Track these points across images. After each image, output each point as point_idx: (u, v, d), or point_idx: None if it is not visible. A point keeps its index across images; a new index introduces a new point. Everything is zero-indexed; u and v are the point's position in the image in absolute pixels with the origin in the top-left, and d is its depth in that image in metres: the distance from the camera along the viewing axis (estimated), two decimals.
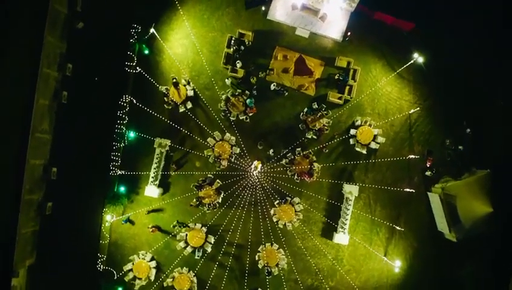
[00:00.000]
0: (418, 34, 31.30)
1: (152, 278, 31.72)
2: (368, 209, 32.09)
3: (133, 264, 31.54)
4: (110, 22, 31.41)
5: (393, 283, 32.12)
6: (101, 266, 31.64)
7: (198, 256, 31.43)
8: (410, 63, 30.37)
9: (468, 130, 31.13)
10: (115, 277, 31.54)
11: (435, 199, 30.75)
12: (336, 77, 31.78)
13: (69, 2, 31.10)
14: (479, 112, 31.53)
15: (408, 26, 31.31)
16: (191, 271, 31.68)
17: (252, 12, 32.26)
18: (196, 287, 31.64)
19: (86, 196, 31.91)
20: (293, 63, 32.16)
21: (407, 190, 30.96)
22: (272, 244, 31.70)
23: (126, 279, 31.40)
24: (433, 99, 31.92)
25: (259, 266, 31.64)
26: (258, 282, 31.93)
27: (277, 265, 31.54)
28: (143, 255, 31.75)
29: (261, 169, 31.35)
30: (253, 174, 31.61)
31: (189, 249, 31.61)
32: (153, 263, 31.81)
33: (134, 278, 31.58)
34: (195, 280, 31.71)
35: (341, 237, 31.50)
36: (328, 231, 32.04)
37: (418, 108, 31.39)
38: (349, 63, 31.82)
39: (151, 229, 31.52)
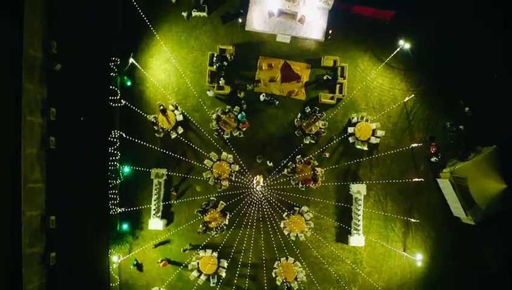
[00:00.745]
0: (400, 21, 30.80)
1: None
2: (379, 206, 31.13)
3: None
4: (87, 59, 30.65)
5: (417, 277, 30.99)
6: None
7: (213, 283, 30.24)
8: (396, 51, 29.72)
9: (467, 108, 30.39)
10: None
11: (445, 185, 29.83)
12: (325, 78, 31.10)
13: (43, 45, 30.49)
14: (474, 89, 30.89)
15: (388, 15, 30.78)
16: None
17: (230, 26, 31.66)
18: None
19: (89, 239, 30.75)
20: (278, 70, 31.48)
21: (416, 179, 30.00)
22: (287, 259, 30.59)
23: None
24: (426, 84, 31.24)
25: (278, 283, 30.49)
26: None
27: (296, 279, 30.40)
28: None
29: (263, 183, 30.44)
30: (256, 190, 30.67)
31: (203, 278, 30.41)
32: None
33: None
34: None
35: (356, 239, 30.45)
36: (343, 235, 30.99)
37: (413, 95, 30.68)
38: (335, 62, 31.17)
39: (161, 264, 30.35)
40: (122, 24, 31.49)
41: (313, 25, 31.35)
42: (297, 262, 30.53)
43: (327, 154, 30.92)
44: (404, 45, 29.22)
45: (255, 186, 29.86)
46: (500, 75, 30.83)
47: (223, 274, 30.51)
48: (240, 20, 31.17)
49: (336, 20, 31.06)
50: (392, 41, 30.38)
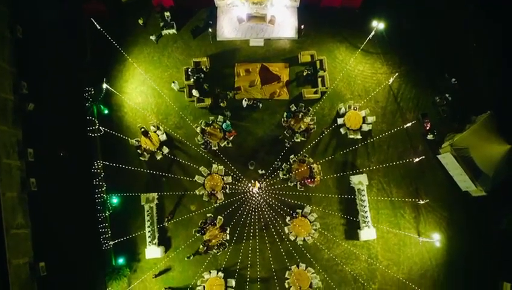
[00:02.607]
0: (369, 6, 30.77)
1: None
2: (384, 194, 29.60)
3: None
4: (60, 94, 29.74)
5: (438, 262, 28.99)
6: None
7: None
8: (371, 35, 29.29)
9: (453, 79, 29.69)
10: None
11: (448, 159, 28.58)
12: (305, 73, 30.45)
13: (13, 87, 29.51)
14: (456, 60, 30.35)
15: (357, 3, 30.70)
16: None
17: (201, 39, 31.24)
18: None
19: (85, 279, 28.53)
20: (257, 74, 30.79)
21: (416, 159, 28.67)
22: (298, 266, 28.54)
23: None
24: (407, 63, 30.68)
25: None
26: None
27: (310, 286, 28.23)
28: None
29: (260, 186, 28.84)
30: (254, 194, 29.01)
31: None
32: None
33: None
34: None
35: (367, 233, 28.65)
36: (352, 231, 29.18)
37: (396, 74, 29.93)
38: (312, 56, 30.64)
39: None
40: (92, 55, 30.90)
41: (284, 24, 31.11)
42: (309, 268, 28.47)
43: (326, 131, 29.84)
44: (378, 26, 28.79)
45: (251, 189, 28.11)
46: (478, 43, 30.45)
47: None
48: (211, 31, 30.68)
49: (306, 16, 30.90)
50: (365, 28, 30.00)
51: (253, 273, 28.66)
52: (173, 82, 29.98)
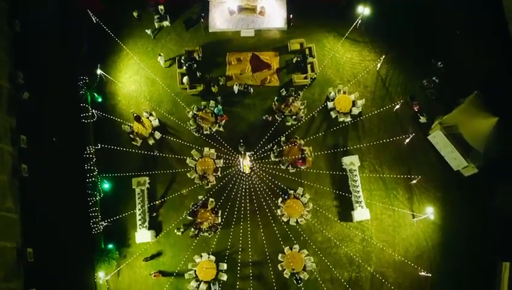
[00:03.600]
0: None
1: None
2: (376, 175, 29.48)
3: None
4: (56, 83, 30.44)
5: (434, 243, 28.37)
6: None
7: (214, 286, 27.04)
8: (356, 22, 30.40)
9: (439, 63, 30.38)
10: None
11: (438, 138, 28.73)
12: (294, 60, 31.22)
13: (9, 77, 30.22)
14: (440, 45, 31.18)
15: None
16: None
17: (194, 31, 32.31)
18: None
19: (73, 265, 27.88)
20: (248, 62, 31.52)
21: (406, 140, 28.81)
22: (291, 248, 27.94)
23: None
24: (394, 50, 31.48)
25: (286, 276, 27.53)
26: None
27: (304, 269, 27.52)
28: None
29: (250, 159, 28.63)
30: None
31: (203, 287, 27.30)
32: None
33: None
34: None
35: (361, 213, 28.27)
36: (345, 213, 28.81)
37: (383, 59, 30.60)
38: (302, 44, 31.55)
39: (153, 275, 27.31)
40: (87, 47, 31.77)
41: (274, 15, 32.27)
42: (303, 250, 27.87)
43: (315, 114, 30.29)
44: (364, 11, 29.82)
45: (241, 162, 27.86)
46: (462, 29, 31.44)
47: (224, 278, 27.48)
48: (203, 22, 31.81)
49: (295, 8, 32.11)
50: (351, 19, 30.98)
51: (245, 256, 28.02)
52: (159, 55, 30.85)
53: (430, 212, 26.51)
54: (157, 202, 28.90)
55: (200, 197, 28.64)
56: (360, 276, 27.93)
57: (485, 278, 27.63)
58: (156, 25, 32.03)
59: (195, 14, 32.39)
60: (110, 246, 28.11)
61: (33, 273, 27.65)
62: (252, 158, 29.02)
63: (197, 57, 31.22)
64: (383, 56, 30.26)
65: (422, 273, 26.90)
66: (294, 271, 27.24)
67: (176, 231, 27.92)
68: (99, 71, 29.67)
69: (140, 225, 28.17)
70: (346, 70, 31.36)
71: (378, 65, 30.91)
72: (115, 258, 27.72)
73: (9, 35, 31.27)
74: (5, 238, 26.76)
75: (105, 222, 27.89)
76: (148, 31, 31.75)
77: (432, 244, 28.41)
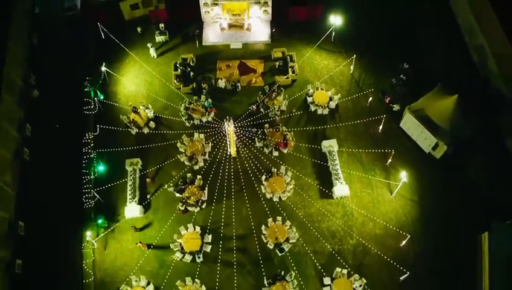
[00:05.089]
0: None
1: None
2: (354, 158, 31.45)
3: None
4: (63, 83, 34.19)
5: (413, 218, 29.24)
6: None
7: (199, 257, 27.58)
8: (329, 31, 35.01)
9: (405, 64, 34.26)
10: None
11: (409, 123, 31.37)
12: (277, 66, 35.24)
13: (23, 77, 33.98)
14: (407, 51, 35.32)
15: (319, 12, 37.15)
16: (196, 280, 27.04)
17: (189, 44, 36.93)
18: None
19: (62, 237, 28.64)
20: (236, 68, 35.51)
21: (379, 121, 31.53)
22: (274, 220, 28.85)
23: None
24: (366, 57, 35.68)
25: (270, 247, 28.06)
26: (277, 267, 27.61)
27: (287, 240, 28.15)
28: (136, 281, 27.05)
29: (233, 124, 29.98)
30: (229, 130, 29.76)
31: (188, 258, 27.72)
32: (151, 288, 26.95)
33: None
34: (203, 288, 26.85)
35: (341, 189, 29.70)
36: (326, 193, 30.16)
37: (354, 61, 34.52)
38: (283, 53, 35.85)
39: (140, 245, 27.83)
40: (94, 55, 36.10)
41: (259, 31, 37.19)
42: (287, 222, 28.76)
43: (295, 110, 33.16)
44: (335, 23, 34.55)
45: (226, 127, 29.57)
46: (425, 40, 35.95)
47: (209, 249, 28.01)
48: (197, 37, 36.56)
49: (278, 25, 37.12)
50: (326, 31, 35.58)
51: (229, 230, 28.81)
52: (150, 46, 35.41)
53: (403, 176, 28.07)
54: (147, 179, 30.48)
55: (188, 174, 30.37)
56: (343, 248, 28.38)
57: (464, 249, 28.06)
58: (156, 38, 36.72)
59: (190, 31, 37.21)
60: (100, 221, 28.98)
61: (22, 246, 28.36)
62: (236, 125, 31.46)
63: (191, 62, 35.29)
64: (354, 56, 34.21)
65: (404, 242, 27.60)
66: (277, 241, 27.87)
67: (166, 186, 29.76)
68: (103, 68, 33.45)
69: (130, 199, 29.45)
70: (324, 73, 35.19)
71: (351, 67, 34.82)
72: (103, 227, 28.52)
73: (28, 45, 35.89)
74: (1, 207, 27.96)
75: (96, 193, 29.09)
76: (151, 48, 36.13)
77: (411, 219, 29.33)
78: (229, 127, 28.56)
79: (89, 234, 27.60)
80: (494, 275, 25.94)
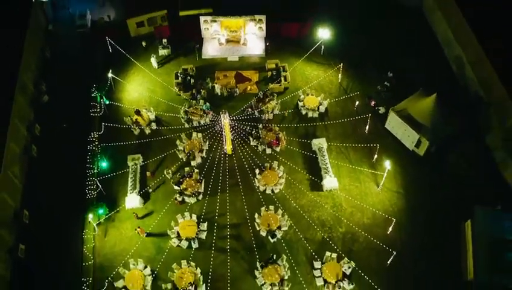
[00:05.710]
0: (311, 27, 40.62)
1: (148, 288, 27.40)
2: (343, 156, 33.37)
3: (124, 279, 27.57)
4: (72, 89, 36.91)
5: (399, 208, 30.73)
6: None
7: (194, 243, 28.93)
8: (317, 45, 38.17)
9: (390, 73, 37.03)
10: None
11: (393, 122, 33.61)
12: (269, 75, 38.05)
13: (35, 83, 36.76)
14: (391, 62, 38.23)
15: (307, 28, 40.45)
16: (191, 263, 28.17)
17: (189, 57, 39.98)
18: (201, 278, 27.60)
19: (64, 225, 30.07)
20: (232, 78, 38.27)
21: (365, 119, 33.87)
22: (267, 209, 30.32)
23: None
24: (353, 67, 38.51)
25: (263, 234, 29.38)
26: (270, 252, 28.74)
27: (280, 228, 29.50)
28: (133, 264, 28.14)
29: (229, 118, 32.38)
30: (224, 123, 32.02)
31: (184, 243, 28.99)
32: (147, 271, 28.02)
33: None
34: (198, 271, 27.90)
35: (330, 181, 31.41)
36: (316, 185, 31.86)
37: (345, 75, 37.41)
38: (276, 64, 38.76)
39: (139, 230, 29.15)
40: (102, 65, 39.02)
41: (254, 45, 40.35)
42: (279, 210, 30.23)
43: (286, 113, 35.54)
44: (323, 37, 37.80)
45: (222, 119, 31.73)
46: (408, 53, 39.05)
47: (204, 237, 29.33)
48: (197, 51, 39.68)
49: (271, 40, 40.31)
50: (316, 47, 38.83)
51: (224, 220, 30.24)
52: (152, 56, 38.36)
53: (387, 164, 29.90)
54: (148, 173, 32.29)
55: (186, 169, 32.23)
56: (332, 236, 29.66)
57: (448, 236, 29.39)
58: (160, 52, 39.83)
59: (191, 45, 40.34)
60: (101, 211, 30.40)
61: (26, 233, 29.75)
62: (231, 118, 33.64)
63: (191, 72, 38.14)
64: (341, 64, 37.08)
65: (390, 229, 29.02)
66: (270, 228, 29.23)
67: (165, 172, 31.61)
68: (110, 75, 36.23)
69: (131, 190, 31.10)
70: (314, 82, 37.88)
71: (339, 76, 37.61)
72: (104, 212, 30.00)
73: (41, 57, 39.01)
74: (8, 194, 29.58)
75: (99, 184, 30.79)
76: (153, 60, 39.15)
77: (398, 209, 30.84)
78: (225, 120, 30.78)
79: (90, 217, 29.00)
80: (477, 256, 27.15)
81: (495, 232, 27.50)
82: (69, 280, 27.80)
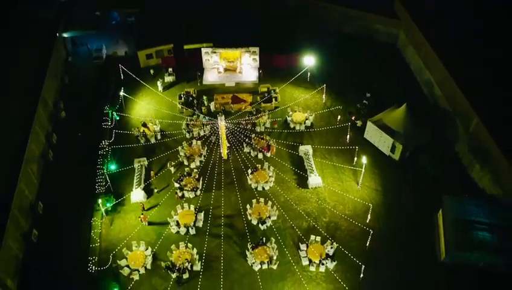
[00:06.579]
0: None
1: (149, 266, 30.03)
2: (326, 160, 37.24)
3: (126, 259, 30.27)
4: (86, 107, 41.80)
5: (378, 203, 34.11)
6: (93, 267, 29.69)
7: (192, 229, 31.96)
8: (303, 71, 43.77)
9: (368, 94, 42.04)
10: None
11: (370, 131, 37.93)
12: (259, 97, 43.01)
13: (54, 102, 41.75)
14: (369, 85, 43.41)
15: (295, 60, 46.14)
16: (189, 244, 31.03)
17: (191, 83, 45.31)
18: (197, 257, 30.32)
19: (74, 215, 33.26)
20: (229, 99, 43.23)
21: (347, 131, 38.16)
22: (258, 201, 33.63)
23: (124, 273, 29.48)
24: (336, 91, 43.65)
25: (254, 223, 32.47)
26: (260, 237, 31.64)
27: (269, 217, 32.63)
28: (136, 246, 30.94)
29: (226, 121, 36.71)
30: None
31: (182, 230, 32.01)
32: (148, 251, 30.76)
33: (131, 272, 29.66)
34: (194, 251, 30.66)
35: (315, 179, 35.04)
36: (302, 184, 35.45)
37: (329, 97, 42.52)
38: (268, 88, 43.93)
39: (142, 217, 32.30)
40: (114, 89, 44.23)
41: (249, 73, 45.89)
42: (269, 202, 33.52)
43: (276, 125, 39.69)
44: (309, 65, 43.47)
45: (219, 121, 35.54)
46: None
47: (200, 224, 32.39)
48: (199, 78, 45.13)
49: (264, 68, 45.89)
50: (303, 73, 44.40)
51: (219, 211, 33.51)
52: (158, 80, 43.87)
53: (364, 160, 33.74)
54: (152, 172, 36.01)
55: (186, 169, 36.05)
56: (317, 224, 32.68)
57: (422, 226, 32.52)
58: (166, 78, 45.27)
59: (194, 73, 45.82)
60: (108, 205, 33.72)
61: (40, 222, 32.86)
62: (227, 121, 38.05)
63: (193, 93, 43.23)
64: (324, 85, 42.26)
65: (369, 217, 32.21)
66: (260, 216, 32.38)
67: (168, 165, 35.25)
68: (122, 93, 41.27)
69: (136, 185, 34.64)
70: (301, 103, 42.78)
71: (324, 97, 42.62)
72: (111, 201, 33.32)
73: (60, 83, 44.42)
74: (26, 186, 33.13)
75: (108, 178, 34.45)
76: (159, 84, 44.50)
77: (376, 203, 34.16)
78: (221, 122, 35.12)
79: (99, 201, 32.25)
80: (447, 236, 30.17)
81: (461, 216, 30.71)
82: (77, 259, 30.49)
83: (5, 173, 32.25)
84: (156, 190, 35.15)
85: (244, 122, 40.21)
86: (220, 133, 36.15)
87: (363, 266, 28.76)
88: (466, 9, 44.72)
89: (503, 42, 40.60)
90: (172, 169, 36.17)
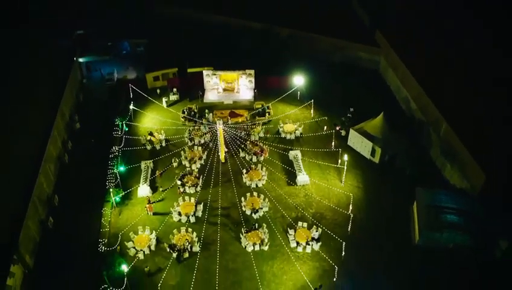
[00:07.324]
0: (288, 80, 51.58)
1: (153, 247, 33.41)
2: (314, 164, 41.41)
3: (133, 241, 33.71)
4: (99, 119, 46.61)
5: (359, 197, 38.00)
6: (103, 248, 33.04)
7: (192, 217, 35.65)
8: (293, 90, 48.96)
9: (351, 109, 46.94)
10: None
11: (353, 138, 42.41)
12: (252, 113, 47.89)
13: (70, 115, 46.60)
14: (353, 101, 48.36)
15: (286, 81, 51.46)
16: (189, 229, 34.60)
17: (193, 101, 50.37)
18: (196, 239, 33.76)
19: (86, 206, 36.97)
20: (227, 114, 48.08)
21: (331, 139, 42.61)
22: (252, 195, 37.44)
23: (130, 253, 32.86)
24: (324, 107, 48.58)
25: (248, 213, 36.13)
26: (252, 224, 35.25)
27: (261, 208, 36.34)
28: (141, 231, 34.45)
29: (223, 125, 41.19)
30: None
31: (183, 219, 35.63)
32: (153, 235, 34.22)
33: (137, 252, 33.02)
34: (194, 235, 34.13)
35: (303, 178, 39.07)
36: (291, 182, 39.42)
37: (316, 113, 47.45)
38: (262, 105, 48.92)
39: (148, 207, 36.00)
40: (123, 104, 49.19)
41: (245, 93, 51.08)
42: (261, 196, 37.32)
43: (268, 134, 44.12)
44: (298, 85, 48.79)
45: (218, 125, 40.12)
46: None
47: (200, 214, 36.07)
48: (200, 97, 50.28)
49: (259, 88, 51.13)
50: (294, 92, 49.65)
51: (216, 204, 37.31)
52: (164, 98, 48.82)
53: (345, 158, 37.93)
54: (157, 172, 40.09)
55: (187, 168, 40.17)
56: (304, 214, 36.33)
57: (399, 220, 36.20)
58: (170, 97, 50.40)
59: (196, 93, 51.02)
60: (117, 198, 37.55)
61: (56, 212, 36.56)
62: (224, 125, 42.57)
63: (194, 108, 48.17)
64: (312, 100, 47.26)
65: (351, 207, 35.98)
66: (253, 207, 36.12)
67: (173, 161, 39.24)
68: (131, 107, 46.18)
69: (143, 182, 38.61)
70: (292, 117, 47.59)
71: (312, 112, 47.52)
72: (119, 194, 37.06)
73: (75, 100, 49.49)
74: (44, 179, 37.09)
75: (118, 176, 38.45)
76: (163, 99, 49.58)
77: (358, 198, 37.99)
78: (220, 126, 39.66)
79: (110, 191, 36.06)
80: (420, 220, 33.82)
81: (432, 203, 34.51)
82: (89, 241, 33.95)
83: (28, 168, 36.31)
84: (161, 188, 39.03)
85: (240, 123, 44.80)
86: (218, 137, 40.65)
87: (344, 243, 32.26)
88: (437, 35, 51.06)
89: (464, 57, 46.89)
90: (175, 164, 40.31)
